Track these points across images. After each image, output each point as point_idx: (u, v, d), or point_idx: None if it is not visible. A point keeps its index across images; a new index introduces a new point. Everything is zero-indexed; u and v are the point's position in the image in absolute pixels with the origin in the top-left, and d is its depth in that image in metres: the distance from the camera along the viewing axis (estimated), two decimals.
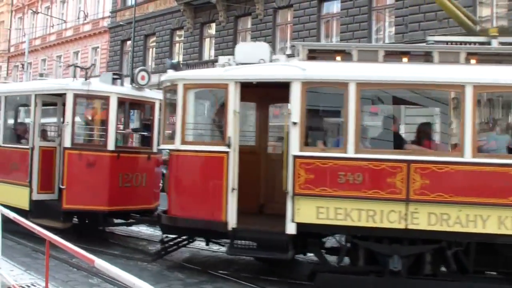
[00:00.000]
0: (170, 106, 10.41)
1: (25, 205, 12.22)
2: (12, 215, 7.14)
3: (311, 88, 9.18)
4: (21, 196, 12.31)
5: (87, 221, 12.67)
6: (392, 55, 9.65)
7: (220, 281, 9.64)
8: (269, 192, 11.27)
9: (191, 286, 9.33)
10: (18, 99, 13.98)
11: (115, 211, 11.92)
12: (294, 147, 8.96)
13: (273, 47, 33.15)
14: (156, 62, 40.05)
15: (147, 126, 12.81)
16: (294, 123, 8.97)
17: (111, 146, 11.68)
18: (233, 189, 9.34)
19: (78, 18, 42.90)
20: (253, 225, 9.76)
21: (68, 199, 11.50)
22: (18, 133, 13.69)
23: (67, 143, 11.59)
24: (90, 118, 12.40)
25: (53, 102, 13.24)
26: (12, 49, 57.70)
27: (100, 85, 11.86)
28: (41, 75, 17.03)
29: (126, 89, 12.13)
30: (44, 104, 12.86)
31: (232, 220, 9.32)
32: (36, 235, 6.22)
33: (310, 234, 9.23)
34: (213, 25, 36.90)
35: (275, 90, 10.21)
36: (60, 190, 12.04)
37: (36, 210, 12.15)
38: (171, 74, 10.51)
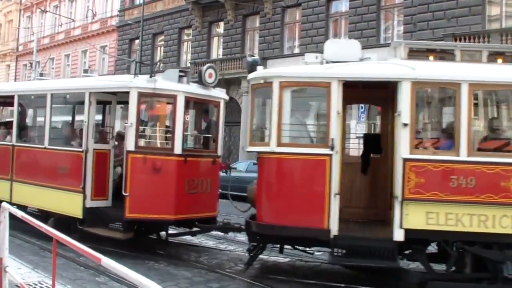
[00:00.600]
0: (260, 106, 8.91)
1: (78, 213, 10.38)
2: (20, 213, 6.44)
3: (419, 88, 8.22)
4: (72, 203, 10.46)
5: (145, 230, 10.80)
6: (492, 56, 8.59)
7: (227, 280, 8.90)
8: (347, 198, 9.77)
9: (198, 285, 8.60)
10: (68, 97, 12.03)
11: (180, 220, 10.11)
12: (404, 150, 7.88)
13: (281, 46, 32.00)
14: (163, 61, 38.06)
15: (208, 127, 10.95)
16: (405, 125, 7.88)
17: (178, 149, 9.82)
18: (335, 194, 8.16)
19: (87, 17, 40.45)
20: (355, 232, 8.77)
21: (132, 207, 9.62)
22: (66, 134, 11.80)
23: (130, 146, 9.69)
24: (155, 119, 10.51)
25: (105, 100, 11.37)
26: (20, 48, 55.05)
27: (166, 83, 9.97)
28: (41, 74, 15.00)
29: (193, 87, 10.23)
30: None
31: (334, 227, 8.13)
32: (44, 233, 5.73)
33: (416, 241, 8.19)
34: (221, 23, 35.16)
35: (352, 90, 8.95)
36: (115, 196, 10.45)
37: (90, 218, 10.34)
38: (264, 71, 8.94)
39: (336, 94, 8.02)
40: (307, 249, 9.48)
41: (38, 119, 13.06)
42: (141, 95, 9.68)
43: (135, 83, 9.76)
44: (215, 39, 35.84)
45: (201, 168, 10.34)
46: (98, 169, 10.52)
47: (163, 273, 9.13)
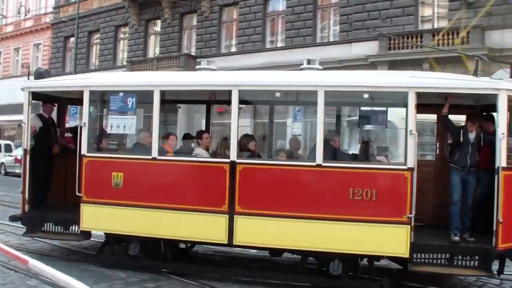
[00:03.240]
0: None
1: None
2: None
3: None
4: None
5: None
6: None
7: (162, 279, 8.28)
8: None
9: (133, 286, 8.01)
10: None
11: None
12: None
13: (218, 44, 31.37)
14: (99, 60, 36.89)
15: None
16: None
17: None
18: None
19: (19, 13, 38.92)
20: None
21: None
22: None
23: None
24: None
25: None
26: None
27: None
28: None
29: None
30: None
31: None
32: None
33: None
34: (158, 22, 34.35)
35: None
36: None
37: None
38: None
39: None
40: None
41: None
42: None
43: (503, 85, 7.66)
44: (152, 37, 34.93)
45: None
46: None
47: (97, 274, 8.48)
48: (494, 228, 7.39)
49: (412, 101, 7.62)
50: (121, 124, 8.64)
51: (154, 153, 8.44)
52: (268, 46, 29.49)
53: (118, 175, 8.49)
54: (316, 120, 7.98)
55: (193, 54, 31.36)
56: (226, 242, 8.17)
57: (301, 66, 8.93)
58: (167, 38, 33.08)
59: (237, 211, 8.05)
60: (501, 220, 7.34)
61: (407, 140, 7.60)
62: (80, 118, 10.89)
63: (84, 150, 8.64)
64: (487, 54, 20.03)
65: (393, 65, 23.21)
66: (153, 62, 31.51)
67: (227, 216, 8.09)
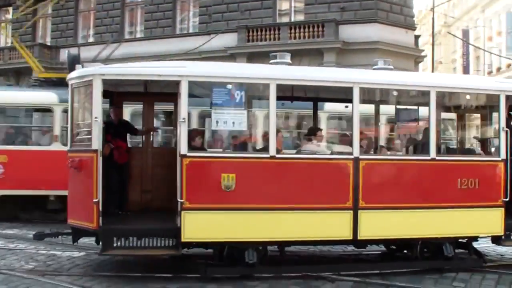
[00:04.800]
0: None
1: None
2: None
3: None
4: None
5: None
6: None
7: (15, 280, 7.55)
8: None
9: None
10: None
11: None
12: None
13: (75, 34, 28.89)
14: None
15: None
16: None
17: None
18: None
19: None
20: None
21: None
22: None
23: None
24: None
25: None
26: None
27: None
28: None
29: None
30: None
31: None
32: None
33: None
34: (10, 9, 30.74)
35: None
36: None
37: None
38: None
39: None
40: None
41: None
42: None
43: None
44: (3, 25, 30.91)
45: None
46: None
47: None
48: None
49: (503, 102, 8.51)
50: (228, 120, 7.68)
51: (272, 151, 7.70)
52: (126, 36, 28.15)
53: (229, 176, 7.56)
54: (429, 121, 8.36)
55: (48, 44, 28.51)
56: (350, 238, 7.91)
57: (374, 67, 9.02)
58: (20, 27, 29.36)
59: (361, 206, 7.86)
60: None
61: (500, 136, 8.47)
62: None
63: (184, 150, 7.47)
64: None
65: (252, 57, 23.55)
66: (4, 52, 27.88)
67: (351, 212, 7.83)
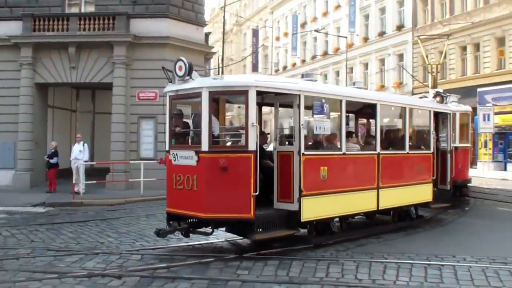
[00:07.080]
0: None
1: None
2: None
3: None
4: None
5: None
6: None
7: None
8: None
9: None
10: None
11: None
12: None
13: None
14: None
15: None
16: None
17: None
18: None
19: None
20: None
21: None
22: None
23: None
24: None
25: None
26: None
27: None
28: None
29: None
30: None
31: None
32: None
33: None
34: None
35: None
36: None
37: None
38: None
39: None
40: None
41: None
42: None
43: None
44: None
45: None
46: None
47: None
48: None
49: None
50: (322, 126, 10.15)
51: (343, 149, 10.83)
52: None
53: (324, 168, 10.09)
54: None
55: None
56: (375, 209, 11.67)
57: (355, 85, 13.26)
58: None
59: (380, 186, 11.73)
60: None
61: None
62: None
63: (302, 149, 9.73)
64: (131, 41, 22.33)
65: (39, 47, 23.03)
66: None
67: (376, 190, 11.60)
